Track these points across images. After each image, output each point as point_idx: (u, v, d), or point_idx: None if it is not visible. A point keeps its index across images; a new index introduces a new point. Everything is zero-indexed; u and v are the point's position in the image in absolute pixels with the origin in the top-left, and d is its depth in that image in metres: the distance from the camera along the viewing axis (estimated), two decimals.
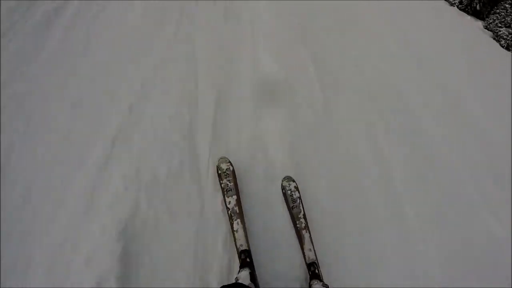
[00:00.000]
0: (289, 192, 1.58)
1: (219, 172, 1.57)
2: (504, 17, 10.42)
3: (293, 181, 1.63)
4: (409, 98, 2.77)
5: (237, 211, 1.45)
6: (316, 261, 1.39)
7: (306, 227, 1.48)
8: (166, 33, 2.55)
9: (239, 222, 1.41)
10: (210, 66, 2.32)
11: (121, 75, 2.10)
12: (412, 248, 1.68)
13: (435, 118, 2.65)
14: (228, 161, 1.61)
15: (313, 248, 1.43)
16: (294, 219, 1.53)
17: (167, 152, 1.69)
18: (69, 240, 1.34)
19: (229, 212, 1.45)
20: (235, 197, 1.49)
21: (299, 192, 1.59)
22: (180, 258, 1.36)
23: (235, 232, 1.40)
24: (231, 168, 1.58)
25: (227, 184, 1.52)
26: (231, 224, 1.42)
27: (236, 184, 1.54)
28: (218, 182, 1.57)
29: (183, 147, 1.73)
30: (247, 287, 1.01)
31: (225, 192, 1.50)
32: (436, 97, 2.95)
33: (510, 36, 10.22)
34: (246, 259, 1.31)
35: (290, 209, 1.56)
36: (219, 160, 1.63)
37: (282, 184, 1.63)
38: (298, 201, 1.55)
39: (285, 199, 1.60)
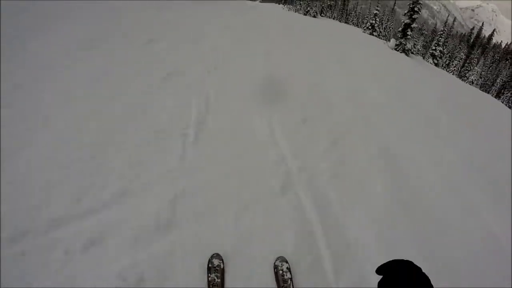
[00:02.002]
0: (280, 272, 1.63)
1: (210, 265, 1.61)
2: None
3: (286, 261, 1.68)
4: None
5: None
6: None
7: None
8: None
9: None
10: None
11: None
12: None
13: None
14: (221, 258, 1.66)
15: None
16: None
17: None
18: None
19: None
20: None
21: (291, 273, 1.64)
22: None
23: None
24: (222, 266, 1.62)
25: (214, 279, 1.56)
26: None
27: (223, 282, 1.58)
28: (206, 274, 1.60)
29: None
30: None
31: (211, 286, 1.55)
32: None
33: None
34: None
35: None
36: (212, 255, 1.66)
37: (274, 263, 1.68)
38: (289, 282, 1.60)
39: (276, 279, 1.64)
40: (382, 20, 26.83)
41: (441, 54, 26.72)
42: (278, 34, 8.18)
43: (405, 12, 14.56)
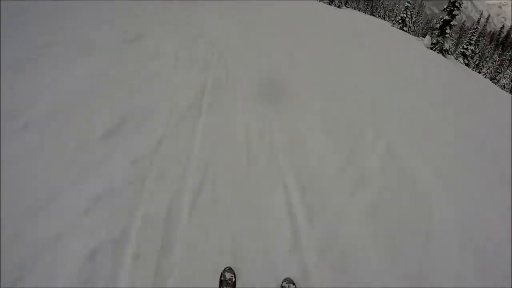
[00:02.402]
0: None
1: (222, 279, 1.57)
2: None
3: (293, 284, 1.60)
4: None
5: None
6: None
7: None
8: None
9: None
10: None
11: None
12: None
13: None
14: (233, 272, 1.61)
15: None
16: None
17: None
18: None
19: None
20: None
21: None
22: None
23: None
24: (233, 279, 1.58)
25: None
26: None
27: None
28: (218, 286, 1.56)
29: None
30: None
31: None
32: None
33: None
34: None
35: None
36: (225, 269, 1.61)
37: (282, 284, 1.61)
38: None
39: None
40: (412, 14, 25.07)
41: (473, 54, 25.06)
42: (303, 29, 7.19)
43: (445, 7, 13.17)
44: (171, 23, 5.34)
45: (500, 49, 37.19)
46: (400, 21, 21.23)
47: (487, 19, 34.21)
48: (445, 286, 1.75)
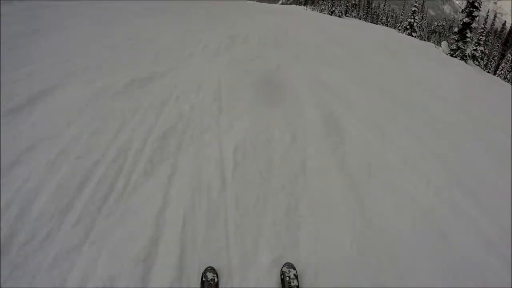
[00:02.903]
0: (287, 278, 1.55)
1: (203, 279, 1.54)
2: None
3: (294, 268, 1.60)
4: None
5: None
6: None
7: None
8: None
9: None
10: None
11: None
12: None
13: None
14: (215, 272, 1.59)
15: None
16: None
17: None
18: None
19: None
20: None
21: (298, 280, 1.55)
22: None
23: None
24: (216, 280, 1.55)
25: None
26: None
27: None
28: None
29: None
30: None
31: None
32: None
33: None
34: None
35: None
36: (206, 269, 1.59)
37: (282, 269, 1.61)
38: None
39: (282, 285, 1.56)
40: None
41: (482, 55, 23.73)
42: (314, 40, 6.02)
43: (463, 8, 11.96)
44: None
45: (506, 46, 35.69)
46: (408, 26, 20.03)
47: (494, 16, 33.04)
48: None
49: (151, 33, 5.42)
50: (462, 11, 11.87)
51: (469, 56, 11.62)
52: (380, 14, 32.84)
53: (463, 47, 11.36)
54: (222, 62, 4.34)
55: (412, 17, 20.15)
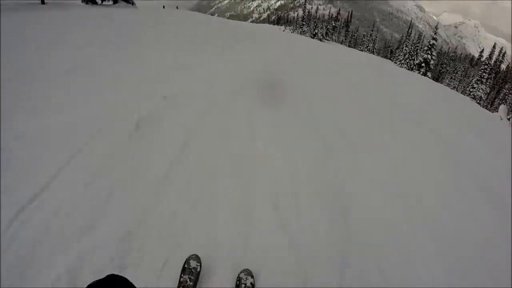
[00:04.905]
0: (243, 286, 1.49)
1: (185, 266, 1.50)
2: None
3: (252, 276, 1.53)
4: None
5: None
6: None
7: None
8: None
9: None
10: None
11: None
12: None
13: None
14: (199, 260, 1.54)
15: None
16: None
17: None
18: None
19: None
20: None
21: None
22: None
23: None
24: (198, 269, 1.50)
25: (186, 281, 1.45)
26: None
27: (195, 285, 1.47)
28: (180, 274, 1.48)
29: None
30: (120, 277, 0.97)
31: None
32: None
33: None
34: None
35: None
36: (190, 256, 1.55)
37: (239, 275, 1.54)
38: None
39: None
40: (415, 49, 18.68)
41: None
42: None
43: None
44: None
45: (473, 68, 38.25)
46: (422, 63, 14.24)
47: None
48: None
49: None
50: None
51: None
52: (365, 39, 32.13)
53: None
54: None
55: (429, 52, 14.00)
